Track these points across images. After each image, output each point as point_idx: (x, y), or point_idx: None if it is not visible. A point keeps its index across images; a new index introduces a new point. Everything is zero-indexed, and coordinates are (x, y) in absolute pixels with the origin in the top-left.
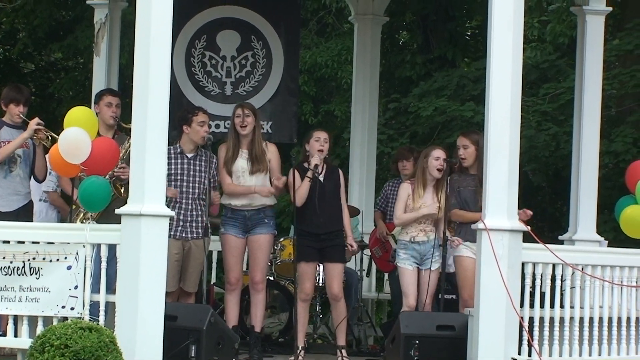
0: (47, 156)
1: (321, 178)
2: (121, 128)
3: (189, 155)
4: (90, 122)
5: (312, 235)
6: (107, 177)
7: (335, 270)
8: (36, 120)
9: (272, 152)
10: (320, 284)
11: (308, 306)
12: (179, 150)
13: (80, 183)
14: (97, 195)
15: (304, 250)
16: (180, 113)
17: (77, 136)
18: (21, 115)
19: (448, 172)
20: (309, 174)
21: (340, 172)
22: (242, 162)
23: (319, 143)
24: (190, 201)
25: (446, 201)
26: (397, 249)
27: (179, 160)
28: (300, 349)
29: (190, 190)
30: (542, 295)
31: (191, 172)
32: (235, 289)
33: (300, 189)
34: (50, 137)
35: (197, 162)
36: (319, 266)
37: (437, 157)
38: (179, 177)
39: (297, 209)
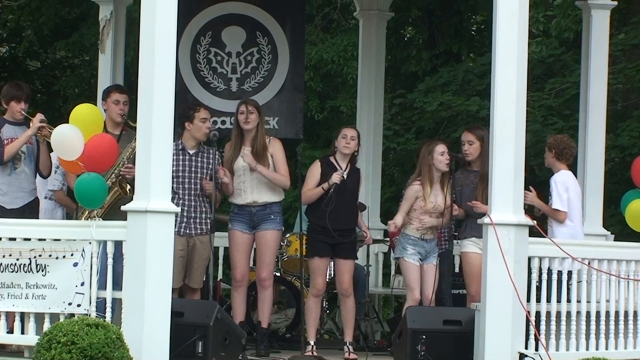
0: (53, 153)
1: (345, 175)
2: (129, 125)
3: (191, 152)
4: (95, 119)
5: (326, 230)
6: (113, 175)
7: (347, 266)
8: (39, 116)
9: (275, 147)
10: (327, 279)
11: (320, 301)
12: (180, 146)
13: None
14: (89, 191)
15: (318, 245)
16: (181, 110)
17: (65, 134)
18: (23, 112)
19: (455, 166)
20: (325, 186)
21: (361, 172)
22: (242, 161)
23: (345, 140)
24: (193, 197)
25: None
26: (405, 244)
27: (181, 157)
28: (312, 344)
29: (193, 186)
30: (549, 289)
31: (193, 169)
32: (242, 286)
33: (312, 193)
34: None
35: (199, 159)
36: (330, 262)
37: (442, 152)
38: (180, 174)
39: (315, 204)
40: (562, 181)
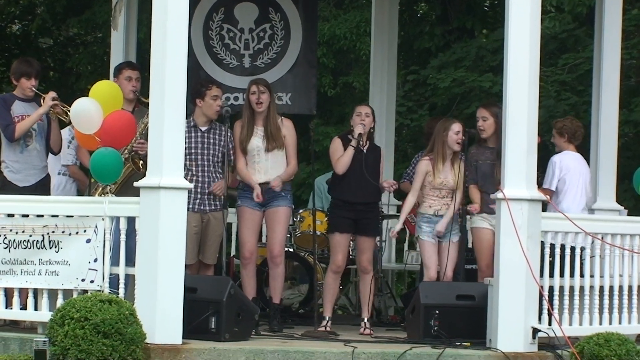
0: (64, 129)
1: (364, 150)
2: (141, 102)
3: (203, 129)
4: (115, 95)
5: (348, 205)
6: (126, 151)
7: (368, 244)
8: (52, 94)
9: (287, 128)
10: (351, 256)
11: (339, 278)
12: (192, 123)
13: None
14: (106, 165)
15: (339, 221)
16: (194, 86)
17: (85, 107)
18: (33, 89)
19: (467, 143)
20: (353, 142)
21: (382, 150)
22: (257, 141)
23: (359, 118)
24: (206, 174)
25: (465, 172)
26: (420, 222)
27: (193, 134)
28: (327, 319)
29: (205, 163)
30: (562, 264)
31: (205, 145)
32: (250, 263)
33: (344, 156)
34: (67, 112)
35: (211, 135)
36: (352, 238)
37: (457, 131)
38: (193, 151)
39: (337, 178)
40: (558, 161)
